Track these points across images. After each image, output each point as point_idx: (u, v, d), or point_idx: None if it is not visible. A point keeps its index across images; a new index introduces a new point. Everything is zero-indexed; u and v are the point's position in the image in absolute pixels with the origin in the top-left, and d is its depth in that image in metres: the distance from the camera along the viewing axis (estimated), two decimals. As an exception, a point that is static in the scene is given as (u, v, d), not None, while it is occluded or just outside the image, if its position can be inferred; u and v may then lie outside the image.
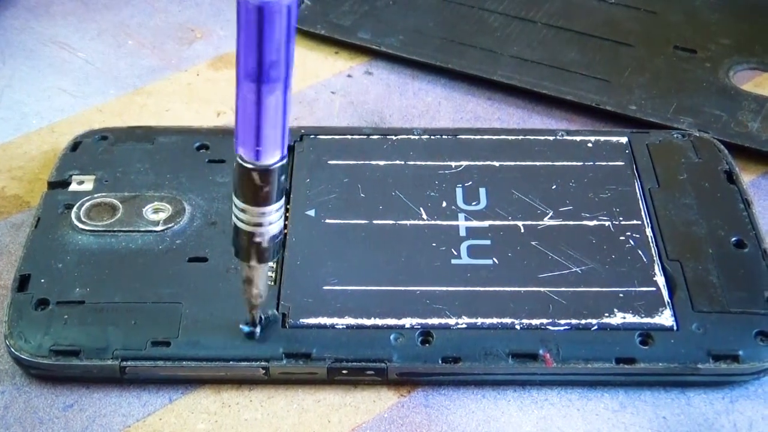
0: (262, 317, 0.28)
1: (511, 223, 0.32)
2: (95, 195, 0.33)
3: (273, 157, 0.24)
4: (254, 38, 0.22)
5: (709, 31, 0.43)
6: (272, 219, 0.26)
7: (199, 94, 0.41)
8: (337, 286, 0.30)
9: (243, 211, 0.26)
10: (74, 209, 0.32)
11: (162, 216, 0.32)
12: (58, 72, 0.42)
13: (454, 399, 0.29)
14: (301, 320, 0.29)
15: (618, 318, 0.29)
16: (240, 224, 0.26)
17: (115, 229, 0.32)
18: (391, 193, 0.33)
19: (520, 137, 0.35)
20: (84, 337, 0.29)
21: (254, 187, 0.25)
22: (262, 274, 0.27)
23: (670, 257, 0.31)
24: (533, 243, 0.31)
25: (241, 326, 0.28)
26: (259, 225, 0.26)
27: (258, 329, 0.28)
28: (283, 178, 0.25)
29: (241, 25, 0.22)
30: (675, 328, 0.29)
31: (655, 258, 0.31)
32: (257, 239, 0.26)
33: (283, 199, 0.26)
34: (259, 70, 0.23)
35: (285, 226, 0.32)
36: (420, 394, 0.29)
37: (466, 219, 0.32)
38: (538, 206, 0.33)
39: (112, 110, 0.40)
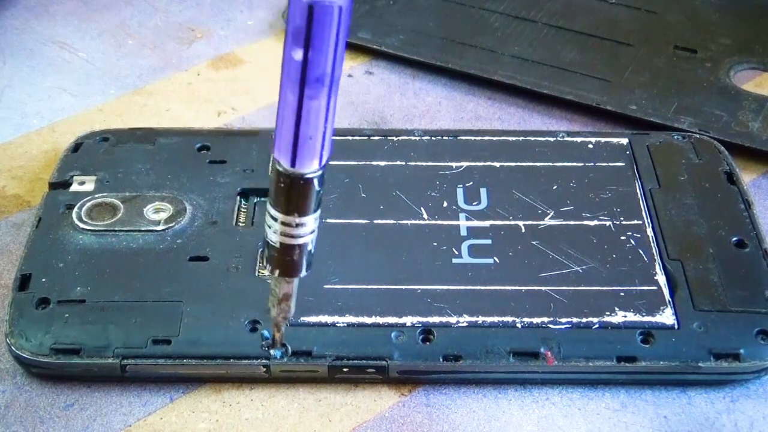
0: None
1: (512, 222, 0.32)
2: (96, 195, 0.33)
3: (310, 166, 0.23)
4: (301, 38, 0.21)
5: (709, 31, 0.43)
6: (308, 230, 0.24)
7: (200, 94, 0.41)
8: (338, 284, 0.30)
9: (278, 221, 0.24)
10: (75, 209, 0.32)
11: (163, 216, 0.32)
12: (59, 72, 0.42)
13: (455, 398, 0.29)
14: (302, 318, 0.29)
15: (619, 317, 0.29)
16: (276, 236, 0.24)
17: (116, 228, 0.32)
18: (392, 193, 0.33)
19: (521, 138, 0.35)
20: (85, 335, 0.29)
21: (290, 196, 0.23)
22: (295, 288, 0.26)
23: (671, 257, 0.31)
24: (534, 242, 0.31)
25: (273, 352, 0.28)
26: (296, 236, 0.24)
27: (285, 350, 0.28)
28: (320, 188, 0.24)
29: (289, 22, 0.21)
30: (676, 326, 0.29)
31: (656, 257, 0.31)
32: (295, 251, 0.24)
33: (319, 211, 0.24)
34: (303, 73, 0.21)
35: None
36: (421, 393, 0.29)
37: (467, 219, 0.32)
38: (538, 206, 0.33)
39: (112, 110, 0.40)
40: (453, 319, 0.29)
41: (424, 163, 0.34)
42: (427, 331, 0.29)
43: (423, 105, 0.40)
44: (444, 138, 0.36)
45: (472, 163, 0.34)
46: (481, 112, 0.40)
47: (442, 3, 0.45)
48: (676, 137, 0.36)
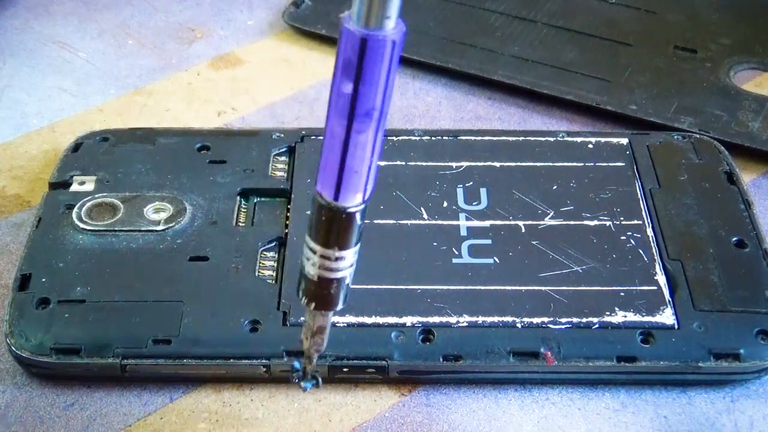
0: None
1: (512, 222, 0.32)
2: (96, 195, 0.33)
3: (354, 200, 0.22)
4: (352, 71, 0.20)
5: (709, 31, 0.43)
6: (347, 264, 0.24)
7: (200, 94, 0.41)
8: (338, 285, 0.30)
9: (317, 254, 0.23)
10: (75, 209, 0.32)
11: (163, 216, 0.32)
12: (59, 72, 0.42)
13: (455, 398, 0.29)
14: (302, 318, 0.29)
15: (619, 317, 0.29)
16: (315, 269, 0.24)
17: (116, 228, 0.32)
18: (392, 193, 0.33)
19: (521, 138, 0.35)
20: (85, 335, 0.29)
21: (330, 229, 0.23)
22: (329, 321, 0.25)
23: (671, 257, 0.31)
24: (534, 242, 0.31)
25: (303, 384, 0.26)
26: (335, 270, 0.24)
27: (316, 382, 0.27)
28: (362, 222, 0.23)
29: (340, 53, 0.21)
30: (676, 326, 0.29)
31: (656, 257, 0.31)
32: (333, 285, 0.24)
33: (359, 245, 0.24)
34: (352, 106, 0.21)
35: (286, 226, 0.32)
36: (421, 394, 0.29)
37: (467, 219, 0.32)
38: (538, 206, 0.33)
39: (112, 110, 0.40)
40: (453, 319, 0.29)
41: (424, 163, 0.34)
42: (427, 331, 0.29)
43: (423, 105, 0.40)
44: (444, 138, 0.35)
45: (472, 163, 0.34)
46: (481, 112, 0.40)
47: (442, 3, 0.45)
48: (676, 137, 0.36)
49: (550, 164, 0.34)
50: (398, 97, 0.40)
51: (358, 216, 0.23)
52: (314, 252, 0.23)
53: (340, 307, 0.25)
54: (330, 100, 0.21)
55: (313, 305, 0.24)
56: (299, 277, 0.24)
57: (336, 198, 0.22)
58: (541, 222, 0.32)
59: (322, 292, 0.24)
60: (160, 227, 0.32)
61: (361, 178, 0.22)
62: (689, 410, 0.29)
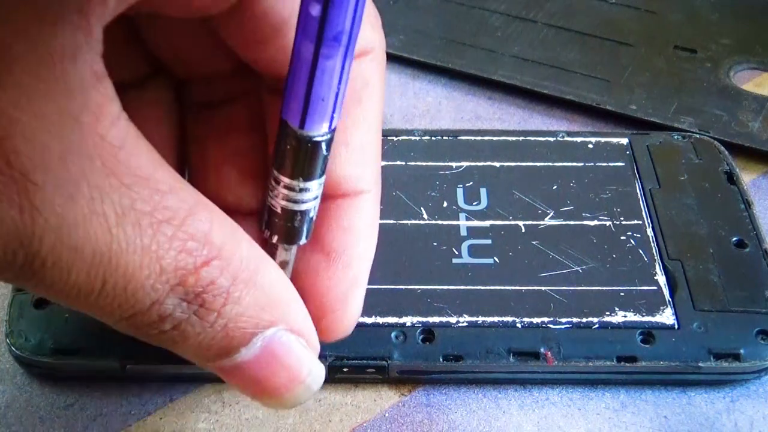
0: None
1: (512, 222, 0.32)
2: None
3: (320, 128, 0.22)
4: None
5: (709, 31, 0.43)
6: (311, 196, 0.23)
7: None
8: (338, 285, 0.30)
9: (281, 185, 0.23)
10: (75, 208, 0.32)
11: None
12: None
13: (455, 398, 0.29)
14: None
15: (619, 316, 0.29)
16: (278, 201, 0.23)
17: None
18: (392, 193, 0.33)
19: (521, 138, 0.35)
20: (85, 335, 0.29)
21: (296, 159, 0.22)
22: (293, 256, 0.25)
23: (671, 257, 0.31)
24: (534, 242, 0.31)
25: None
26: (299, 202, 0.23)
27: None
28: (327, 153, 0.23)
29: None
30: (676, 326, 0.29)
31: (656, 257, 0.31)
32: (297, 217, 0.24)
33: (324, 177, 0.23)
34: (320, 29, 0.20)
35: None
36: (421, 393, 0.29)
37: (467, 219, 0.32)
38: (538, 206, 0.33)
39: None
40: (453, 319, 0.29)
41: (424, 163, 0.34)
42: (427, 331, 0.29)
43: (423, 105, 0.40)
44: (444, 138, 0.36)
45: (472, 163, 0.34)
46: (481, 112, 0.40)
47: (442, 3, 0.45)
48: (676, 137, 0.36)
49: (550, 164, 0.34)
50: (398, 97, 0.40)
51: (323, 145, 0.22)
52: (278, 183, 0.23)
53: (303, 241, 0.24)
54: (297, 23, 0.21)
55: (275, 238, 0.24)
56: (262, 209, 0.24)
57: (302, 126, 0.22)
58: (541, 222, 0.32)
59: (286, 225, 0.24)
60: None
61: (328, 106, 0.21)
62: (689, 410, 0.29)
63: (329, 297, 0.25)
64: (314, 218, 0.24)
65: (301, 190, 0.23)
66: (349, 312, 0.26)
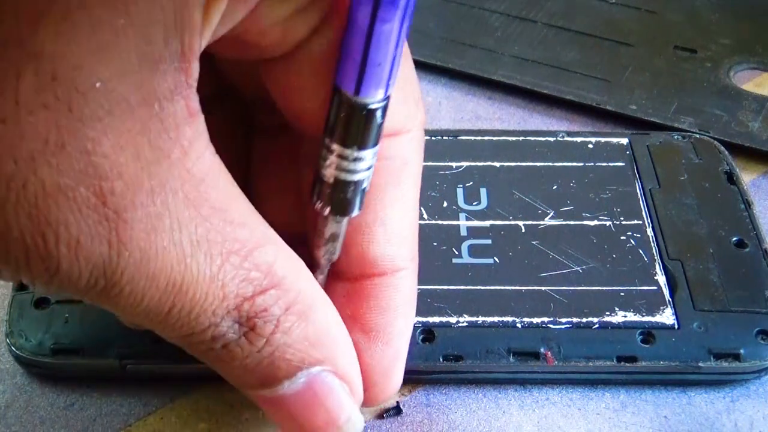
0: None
1: (512, 222, 0.32)
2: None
3: (375, 95, 0.21)
4: None
5: (709, 31, 0.43)
6: (365, 166, 0.22)
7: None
8: (338, 285, 0.30)
9: (335, 154, 0.22)
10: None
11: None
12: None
13: (455, 398, 0.29)
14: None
15: (619, 316, 0.29)
16: (331, 170, 0.22)
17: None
18: (392, 192, 0.33)
19: (521, 138, 0.35)
20: (85, 335, 0.29)
21: (349, 126, 0.22)
22: (344, 229, 0.24)
23: (671, 257, 0.31)
24: (534, 242, 0.31)
25: None
26: (352, 171, 0.22)
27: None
28: (382, 121, 0.22)
29: None
30: (676, 326, 0.29)
31: (656, 257, 0.31)
32: (350, 188, 0.23)
33: (378, 146, 0.22)
34: None
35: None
36: (421, 393, 0.29)
37: (467, 219, 0.32)
38: (538, 206, 0.33)
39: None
40: (453, 319, 0.29)
41: (424, 163, 0.34)
42: (427, 331, 0.29)
43: (423, 105, 0.40)
44: (444, 138, 0.35)
45: (472, 163, 0.34)
46: (481, 112, 0.40)
47: (442, 3, 0.45)
48: (676, 137, 0.36)
49: (550, 164, 0.34)
50: (398, 97, 0.40)
51: (379, 113, 0.21)
52: (331, 152, 0.22)
53: (356, 213, 0.23)
54: None
55: (327, 210, 0.23)
56: (314, 180, 0.23)
57: (357, 92, 0.21)
58: (541, 222, 0.32)
59: (338, 196, 0.23)
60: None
61: (384, 72, 0.21)
62: (689, 410, 0.29)
63: (372, 373, 0.26)
64: (367, 189, 0.23)
65: (355, 159, 0.22)
66: (391, 384, 0.26)
